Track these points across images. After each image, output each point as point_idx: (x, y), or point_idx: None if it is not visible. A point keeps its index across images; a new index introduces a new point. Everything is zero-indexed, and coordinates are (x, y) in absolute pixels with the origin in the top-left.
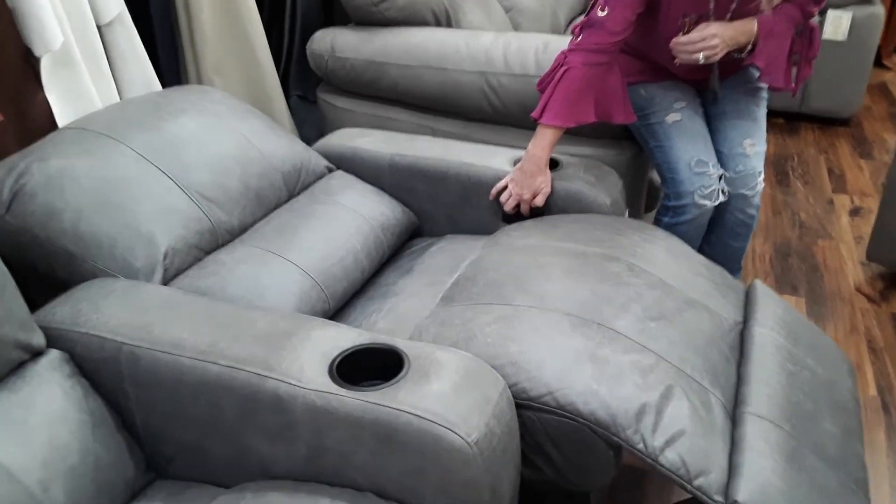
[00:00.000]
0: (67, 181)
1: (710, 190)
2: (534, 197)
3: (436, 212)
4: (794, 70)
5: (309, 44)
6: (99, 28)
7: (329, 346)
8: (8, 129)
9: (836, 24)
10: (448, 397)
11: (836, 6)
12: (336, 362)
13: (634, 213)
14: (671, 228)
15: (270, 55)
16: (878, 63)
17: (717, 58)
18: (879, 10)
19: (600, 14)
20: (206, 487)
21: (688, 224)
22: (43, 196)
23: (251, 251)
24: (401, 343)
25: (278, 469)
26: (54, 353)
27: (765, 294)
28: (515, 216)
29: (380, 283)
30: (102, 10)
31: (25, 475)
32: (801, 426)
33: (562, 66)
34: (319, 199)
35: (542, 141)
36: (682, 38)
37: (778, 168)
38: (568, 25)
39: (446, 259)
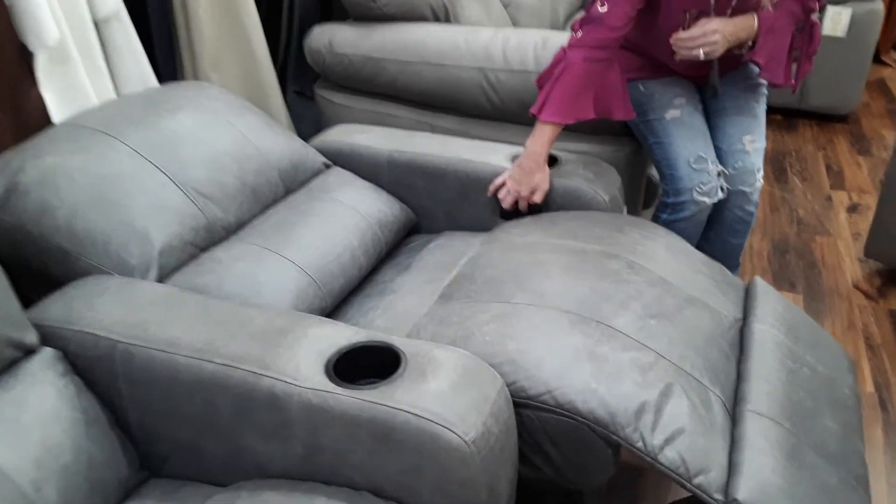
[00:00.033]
0: (62, 178)
1: (708, 186)
2: (532, 194)
3: (434, 208)
4: (794, 66)
5: (306, 39)
6: (95, 24)
7: (325, 344)
8: (3, 124)
9: (836, 21)
10: (446, 396)
11: (836, 2)
12: (332, 360)
13: (633, 210)
14: (670, 225)
15: (268, 51)
16: (877, 59)
17: (718, 54)
18: (879, 7)
19: (600, 10)
20: (201, 486)
21: (686, 221)
22: (37, 193)
23: (247, 248)
24: (398, 341)
25: (274, 468)
26: (47, 352)
27: (765, 291)
28: (514, 213)
29: (377, 280)
30: (99, 5)
31: (18, 474)
32: (801, 423)
33: (562, 62)
34: (317, 196)
35: (541, 137)
36: (682, 34)
37: (776, 164)
38: (567, 21)
39: (444, 256)
